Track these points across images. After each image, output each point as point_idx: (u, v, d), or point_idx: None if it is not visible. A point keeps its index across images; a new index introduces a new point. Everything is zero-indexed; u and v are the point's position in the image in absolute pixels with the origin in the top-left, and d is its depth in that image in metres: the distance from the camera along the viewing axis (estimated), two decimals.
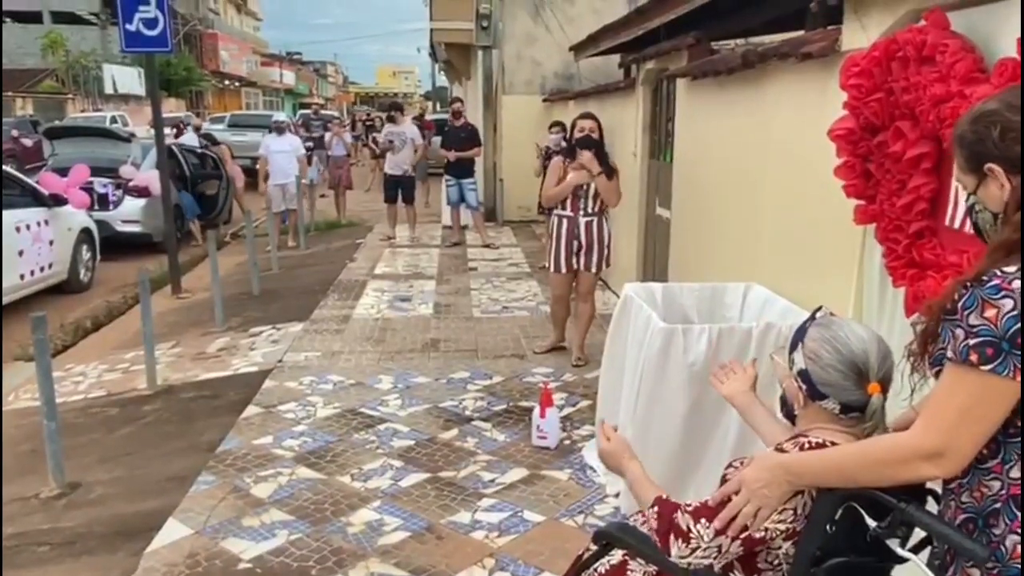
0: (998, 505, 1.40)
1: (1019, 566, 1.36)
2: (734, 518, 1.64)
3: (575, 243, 5.43)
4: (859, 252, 3.12)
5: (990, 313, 1.29)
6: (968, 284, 1.34)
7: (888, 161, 2.74)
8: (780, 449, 1.70)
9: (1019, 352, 1.27)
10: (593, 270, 5.52)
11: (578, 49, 10.12)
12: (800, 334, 1.79)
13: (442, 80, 40.46)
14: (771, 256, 4.06)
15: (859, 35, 3.06)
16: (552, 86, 12.88)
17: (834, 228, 3.26)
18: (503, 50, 13.02)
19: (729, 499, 1.67)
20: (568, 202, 5.41)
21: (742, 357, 3.36)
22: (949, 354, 1.34)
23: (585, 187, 5.35)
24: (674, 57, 5.91)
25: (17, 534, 3.55)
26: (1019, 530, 1.37)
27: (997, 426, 1.33)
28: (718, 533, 1.68)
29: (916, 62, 2.54)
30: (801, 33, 4.01)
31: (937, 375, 1.45)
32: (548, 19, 12.83)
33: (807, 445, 1.67)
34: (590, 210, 5.40)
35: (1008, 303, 1.28)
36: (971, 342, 1.30)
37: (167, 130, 9.73)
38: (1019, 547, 1.37)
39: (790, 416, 1.87)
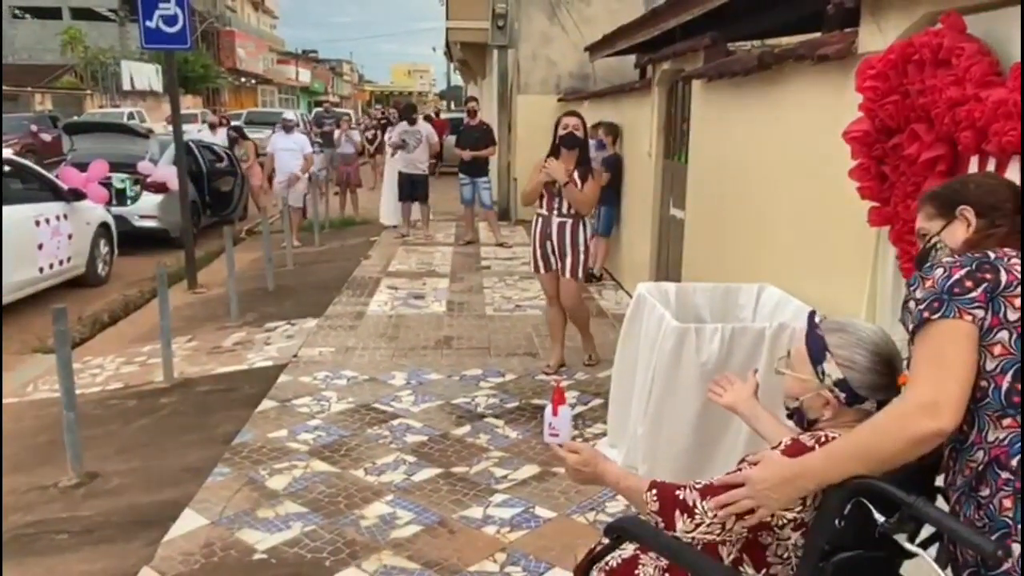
0: (982, 469, 1.50)
1: (1007, 519, 1.45)
2: (729, 505, 1.67)
3: (548, 244, 5.27)
4: (873, 254, 3.13)
5: (928, 283, 1.55)
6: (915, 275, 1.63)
7: (903, 163, 2.74)
8: (796, 440, 1.72)
9: (959, 298, 1.49)
10: (568, 275, 5.28)
11: (593, 49, 10.12)
12: (819, 344, 1.76)
13: (457, 79, 40.54)
14: (785, 257, 4.06)
15: (876, 37, 3.07)
16: (567, 86, 12.87)
17: (848, 230, 3.27)
18: (519, 50, 13.03)
19: (731, 486, 1.69)
20: (544, 201, 5.26)
21: (755, 357, 3.39)
22: (911, 325, 1.55)
23: (557, 186, 5.16)
24: (690, 58, 5.92)
25: (36, 522, 3.61)
26: (1006, 488, 1.46)
27: (972, 368, 1.48)
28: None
29: (932, 65, 2.54)
30: (818, 35, 4.01)
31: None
32: (564, 19, 12.84)
33: (823, 439, 1.69)
34: (564, 211, 5.20)
35: (939, 271, 1.54)
36: (921, 306, 1.53)
37: (199, 126, 9.76)
38: (1006, 502, 1.45)
39: (799, 422, 1.86)
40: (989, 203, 1.67)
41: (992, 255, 1.54)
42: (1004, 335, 1.48)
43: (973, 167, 2.45)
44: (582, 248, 5.29)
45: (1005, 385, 1.48)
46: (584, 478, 2.01)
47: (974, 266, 1.51)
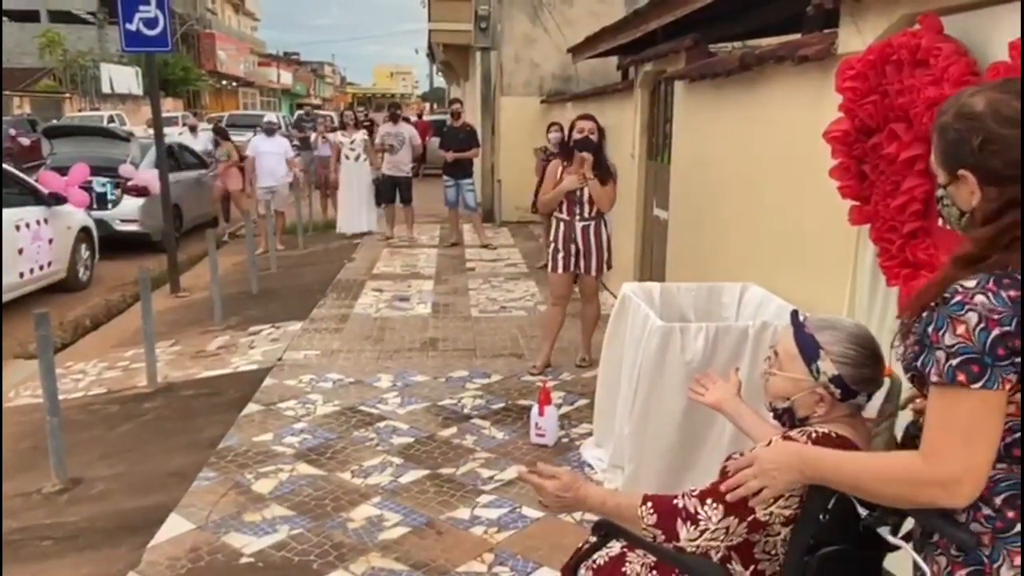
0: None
1: (983, 554, 1.38)
2: (737, 488, 1.65)
3: (572, 247, 5.36)
4: (853, 252, 3.16)
5: (961, 330, 1.29)
6: (933, 306, 1.35)
7: (883, 163, 2.77)
8: (788, 438, 1.72)
9: (1002, 363, 1.28)
10: (593, 273, 5.46)
11: (576, 51, 10.15)
12: (812, 344, 1.76)
13: (440, 81, 40.48)
14: (767, 256, 4.10)
15: (855, 39, 3.09)
16: (550, 88, 12.92)
17: (829, 229, 3.30)
18: (502, 52, 13.06)
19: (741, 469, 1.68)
20: (564, 206, 5.34)
21: (739, 355, 3.42)
22: (935, 378, 1.33)
23: (579, 192, 5.26)
24: (672, 59, 5.95)
25: (20, 528, 3.58)
26: (985, 523, 1.38)
27: (1000, 436, 1.32)
28: (726, 512, 1.70)
29: (910, 65, 2.56)
30: (798, 36, 4.05)
31: (912, 380, 1.46)
32: (546, 21, 12.87)
33: (814, 435, 1.70)
34: (586, 215, 5.31)
35: (973, 317, 1.29)
36: (954, 362, 1.30)
37: (179, 129, 9.46)
38: (983, 538, 1.38)
39: (788, 421, 1.86)
40: (993, 168, 1.36)
41: None
42: (1020, 396, 1.33)
43: None
44: (605, 247, 5.43)
45: (1008, 440, 1.36)
46: (565, 504, 1.92)
47: (1012, 325, 1.27)
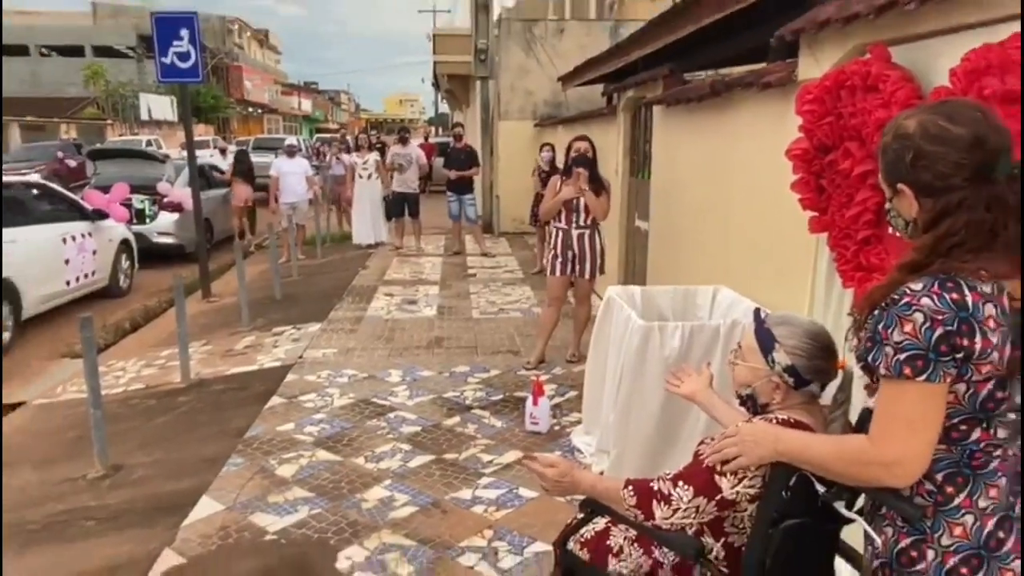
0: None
1: (925, 526, 1.39)
2: (718, 452, 1.67)
3: (569, 252, 5.37)
4: (813, 257, 3.17)
5: (908, 328, 1.29)
6: (883, 306, 1.34)
7: (838, 177, 2.78)
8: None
9: (944, 359, 1.28)
10: (587, 277, 5.45)
11: (566, 80, 10.17)
12: (769, 337, 1.78)
13: (444, 107, 40.52)
14: (737, 262, 4.10)
15: (813, 67, 3.11)
16: (543, 112, 12.94)
17: (791, 237, 3.30)
18: (499, 81, 13.08)
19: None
20: (563, 216, 5.35)
21: (712, 351, 3.42)
22: (883, 371, 1.33)
23: (576, 202, 5.28)
24: (651, 86, 5.96)
25: (67, 510, 3.57)
26: (925, 495, 1.39)
27: (941, 423, 1.33)
28: (696, 493, 1.71)
29: (862, 90, 2.58)
30: (763, 65, 4.05)
31: (864, 370, 1.46)
32: (539, 53, 12.90)
33: (775, 420, 1.71)
34: (582, 223, 5.32)
35: (919, 317, 1.29)
36: (901, 357, 1.30)
37: (210, 151, 9.43)
38: (929, 510, 1.39)
39: (751, 407, 1.87)
40: (925, 181, 1.36)
41: (970, 297, 1.29)
42: (961, 387, 1.33)
43: None
44: (599, 253, 5.43)
45: (947, 424, 1.35)
46: (561, 489, 1.95)
47: (955, 326, 1.27)
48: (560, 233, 5.41)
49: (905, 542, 1.41)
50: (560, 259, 5.41)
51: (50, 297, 7.27)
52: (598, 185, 5.31)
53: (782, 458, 1.55)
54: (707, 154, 4.63)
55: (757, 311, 1.91)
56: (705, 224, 4.65)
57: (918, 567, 1.38)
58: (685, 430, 3.47)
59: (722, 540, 1.85)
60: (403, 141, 11.07)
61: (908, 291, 1.32)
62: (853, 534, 1.67)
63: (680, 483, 1.74)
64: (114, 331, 7.12)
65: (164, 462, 4.09)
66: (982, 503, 1.35)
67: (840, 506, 1.57)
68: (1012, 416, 1.34)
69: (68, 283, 7.59)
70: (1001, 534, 1.35)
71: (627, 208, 7.03)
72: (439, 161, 15.33)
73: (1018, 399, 1.33)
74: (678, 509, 1.72)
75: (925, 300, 1.29)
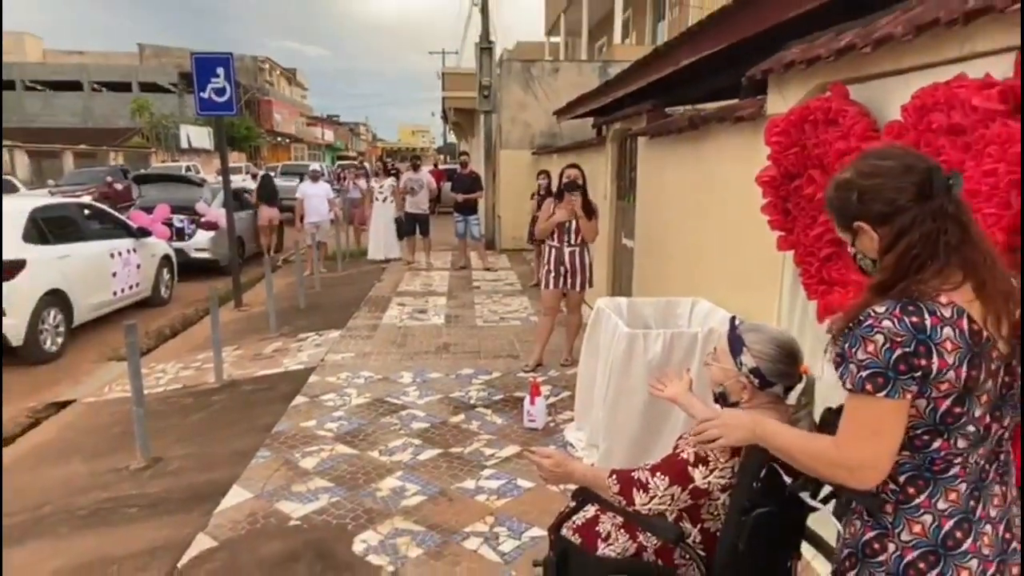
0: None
1: (887, 521, 1.37)
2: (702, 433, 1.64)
3: (561, 268, 5.37)
4: (780, 272, 3.17)
5: (870, 348, 1.27)
6: (850, 327, 1.32)
7: (803, 201, 2.78)
8: None
9: (903, 378, 1.26)
10: (578, 289, 5.45)
11: (560, 113, 10.20)
12: (738, 341, 1.79)
13: (451, 137, 40.62)
14: (713, 276, 4.10)
15: (780, 103, 3.12)
16: (540, 142, 12.97)
17: (761, 254, 3.30)
18: (500, 114, 13.14)
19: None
20: (556, 235, 5.35)
21: (690, 356, 3.41)
22: (848, 386, 1.31)
23: (568, 224, 5.29)
24: (635, 120, 5.98)
25: (111, 498, 3.56)
26: (888, 493, 1.36)
27: (902, 433, 1.31)
28: (671, 482, 1.72)
29: (824, 124, 2.59)
30: (735, 101, 4.07)
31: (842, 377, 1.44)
32: (536, 90, 12.97)
33: None
34: (573, 242, 5.33)
35: (880, 338, 1.27)
36: (863, 374, 1.28)
37: (243, 176, 9.40)
38: (888, 507, 1.37)
39: (724, 405, 1.87)
40: (876, 210, 1.35)
41: (929, 320, 1.27)
42: (922, 402, 1.31)
43: None
44: (588, 269, 5.42)
45: (911, 434, 1.34)
46: (557, 477, 1.97)
47: (912, 347, 1.26)
48: (553, 251, 5.42)
49: (870, 535, 1.40)
50: (553, 274, 5.41)
51: (98, 306, 7.27)
52: (587, 210, 5.31)
53: (758, 441, 1.53)
54: (686, 180, 4.64)
55: (733, 319, 1.92)
56: (685, 242, 4.66)
57: (880, 558, 1.37)
58: (667, 426, 3.46)
59: (699, 526, 1.85)
60: (415, 168, 11.11)
61: (872, 313, 1.30)
62: (824, 525, 1.67)
63: (658, 473, 1.74)
64: (155, 337, 7.11)
65: (199, 455, 4.08)
66: (941, 505, 1.34)
67: (806, 496, 1.56)
68: (971, 428, 1.31)
69: (115, 294, 7.58)
70: (959, 535, 1.33)
71: (615, 228, 7.04)
72: (447, 185, 15.41)
73: (977, 412, 1.30)
74: (655, 496, 1.73)
75: (886, 323, 1.27)
